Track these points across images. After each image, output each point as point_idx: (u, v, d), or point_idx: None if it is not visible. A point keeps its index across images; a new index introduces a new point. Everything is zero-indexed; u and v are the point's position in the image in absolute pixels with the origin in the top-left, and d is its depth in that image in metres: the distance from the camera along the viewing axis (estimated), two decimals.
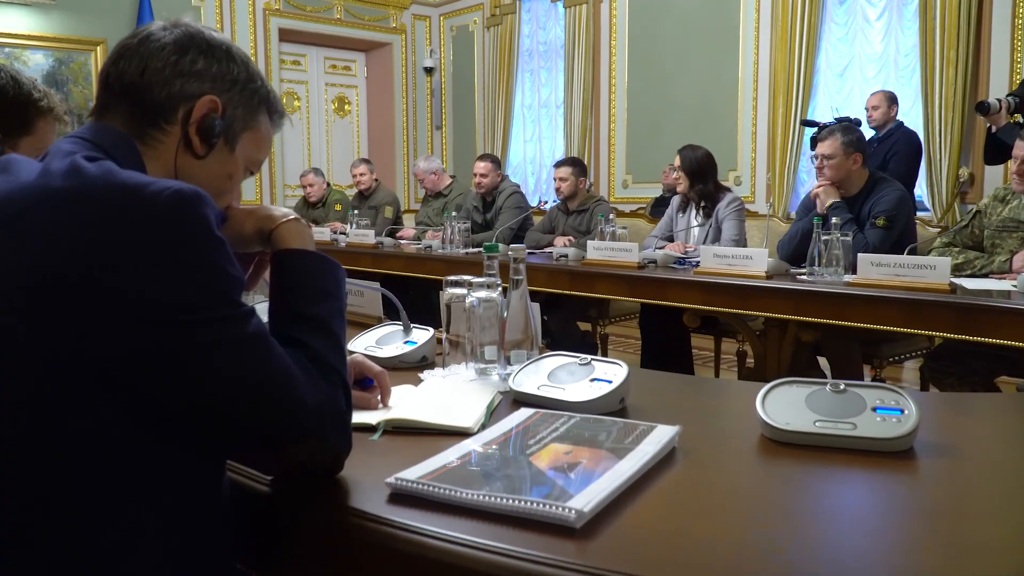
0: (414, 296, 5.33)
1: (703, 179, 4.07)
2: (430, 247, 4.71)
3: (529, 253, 4.53)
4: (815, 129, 4.92)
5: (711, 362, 4.63)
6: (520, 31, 8.71)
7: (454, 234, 4.53)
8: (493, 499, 0.85)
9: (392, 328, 1.75)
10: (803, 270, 3.19)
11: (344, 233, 5.29)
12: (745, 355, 4.02)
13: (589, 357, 1.36)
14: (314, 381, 0.92)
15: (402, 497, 0.91)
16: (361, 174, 6.05)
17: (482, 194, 5.32)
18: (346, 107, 9.60)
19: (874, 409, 1.10)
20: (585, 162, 7.98)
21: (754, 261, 3.17)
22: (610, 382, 1.28)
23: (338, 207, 6.26)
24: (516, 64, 8.75)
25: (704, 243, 4.03)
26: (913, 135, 5.03)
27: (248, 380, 0.86)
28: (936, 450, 1.09)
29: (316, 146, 9.34)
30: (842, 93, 6.25)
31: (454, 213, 4.79)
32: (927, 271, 2.69)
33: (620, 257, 3.61)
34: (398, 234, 5.70)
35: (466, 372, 1.47)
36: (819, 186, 3.53)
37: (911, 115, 5.65)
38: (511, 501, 0.84)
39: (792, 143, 6.42)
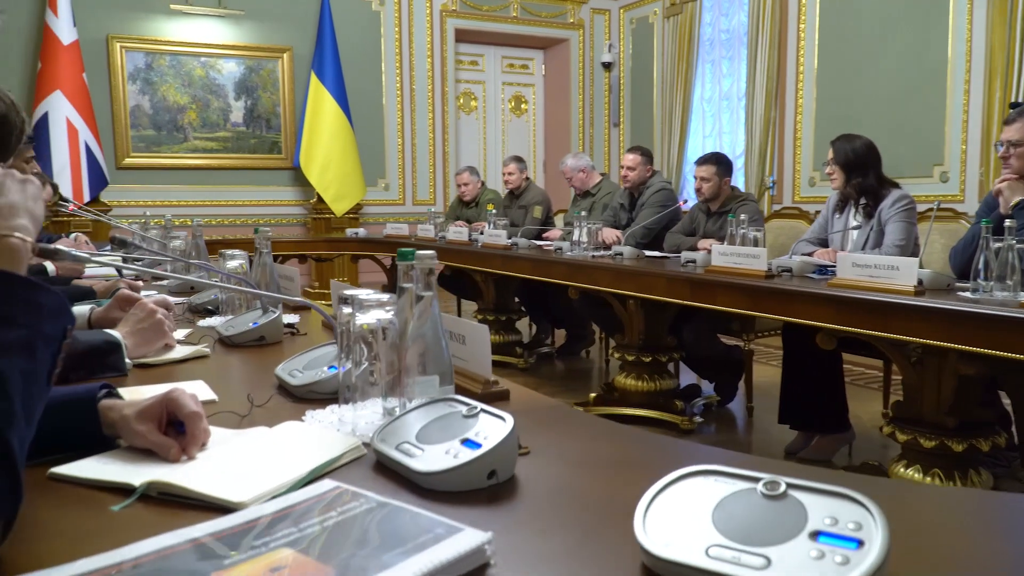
0: (552, 299, 5.05)
1: (862, 173, 3.44)
2: (560, 249, 4.39)
3: (661, 257, 4.09)
4: None
5: (878, 384, 3.96)
6: (701, 19, 8.13)
7: (582, 235, 4.18)
8: None
9: (330, 349, 1.46)
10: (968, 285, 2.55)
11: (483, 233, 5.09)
12: None
13: (480, 407, 0.99)
14: None
15: None
16: (510, 173, 5.82)
17: (630, 190, 4.92)
18: (522, 106, 9.46)
19: (815, 535, 0.67)
20: (768, 158, 7.31)
21: (901, 272, 2.57)
22: (478, 447, 0.92)
23: (490, 206, 6.07)
24: (696, 55, 8.18)
25: (863, 249, 3.41)
26: None
27: None
28: None
29: (492, 146, 9.27)
30: None
31: (584, 212, 4.43)
32: None
33: (746, 264, 3.11)
34: (544, 235, 5.43)
35: (356, 413, 1.15)
36: (1002, 180, 2.83)
37: None
38: None
39: None
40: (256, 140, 7.97)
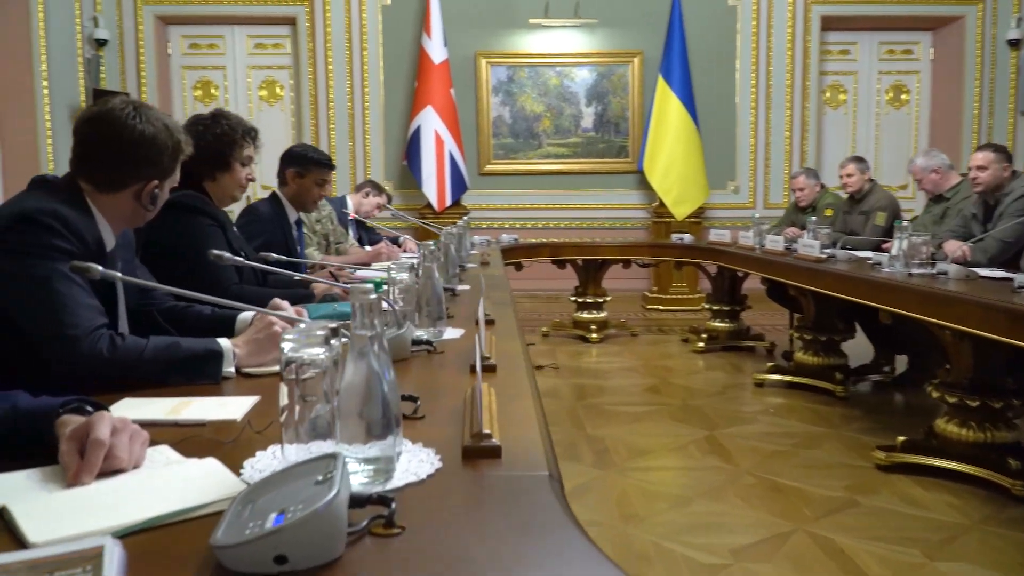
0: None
1: None
2: (879, 264, 3.76)
3: (1003, 279, 3.29)
4: None
5: None
6: None
7: (902, 247, 3.53)
8: None
9: None
10: None
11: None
12: None
13: (336, 475, 0.82)
14: None
15: None
16: (848, 175, 5.14)
17: (983, 197, 4.05)
18: (902, 96, 8.35)
19: None
20: None
21: None
22: (276, 521, 0.76)
23: (828, 212, 5.44)
24: None
25: None
26: None
27: None
28: None
29: (863, 143, 8.33)
30: None
31: (906, 221, 3.72)
32: None
33: None
34: (885, 245, 4.71)
35: (291, 457, 1.04)
36: None
37: None
38: None
39: None
40: (604, 145, 8.11)
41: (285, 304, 1.84)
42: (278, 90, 8.10)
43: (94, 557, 0.74)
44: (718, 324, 5.84)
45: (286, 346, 0.99)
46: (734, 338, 5.80)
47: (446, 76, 7.54)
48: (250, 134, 2.54)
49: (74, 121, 1.69)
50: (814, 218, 4.68)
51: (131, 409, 1.30)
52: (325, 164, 3.41)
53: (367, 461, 0.98)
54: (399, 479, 1.00)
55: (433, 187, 7.49)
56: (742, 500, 3.09)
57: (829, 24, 8.04)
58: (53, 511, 0.89)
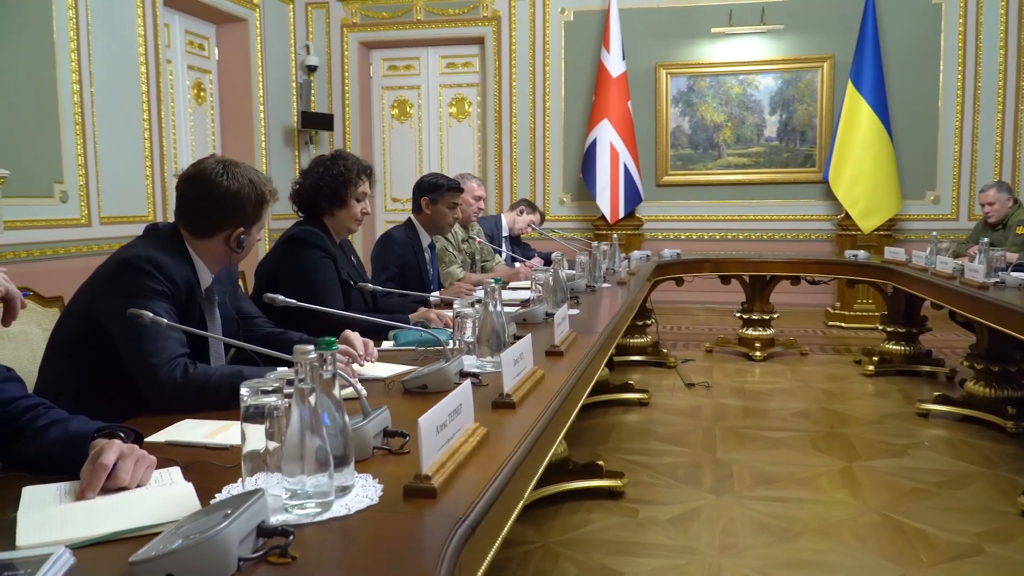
0: None
1: None
2: None
3: None
4: None
5: None
6: None
7: None
8: None
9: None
10: None
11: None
12: None
13: (240, 513, 1.02)
14: None
15: None
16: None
17: None
18: None
19: None
20: None
21: None
22: (176, 545, 0.96)
23: (1020, 229, 4.97)
24: None
25: None
26: None
27: None
28: None
29: None
30: None
31: None
32: None
33: None
34: None
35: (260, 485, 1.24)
36: None
37: None
38: None
39: None
40: (789, 154, 7.83)
41: (354, 336, 2.08)
42: (466, 106, 8.55)
43: (39, 562, 0.98)
44: (892, 347, 5.51)
45: (244, 394, 1.20)
46: (910, 362, 5.45)
47: (623, 89, 7.62)
48: (365, 172, 2.83)
49: (176, 179, 2.03)
50: (986, 239, 4.29)
51: (182, 430, 1.58)
52: (455, 188, 3.66)
53: (302, 495, 1.17)
54: (334, 511, 1.18)
55: (607, 199, 7.60)
56: (856, 539, 2.97)
57: None
58: (48, 520, 1.14)
